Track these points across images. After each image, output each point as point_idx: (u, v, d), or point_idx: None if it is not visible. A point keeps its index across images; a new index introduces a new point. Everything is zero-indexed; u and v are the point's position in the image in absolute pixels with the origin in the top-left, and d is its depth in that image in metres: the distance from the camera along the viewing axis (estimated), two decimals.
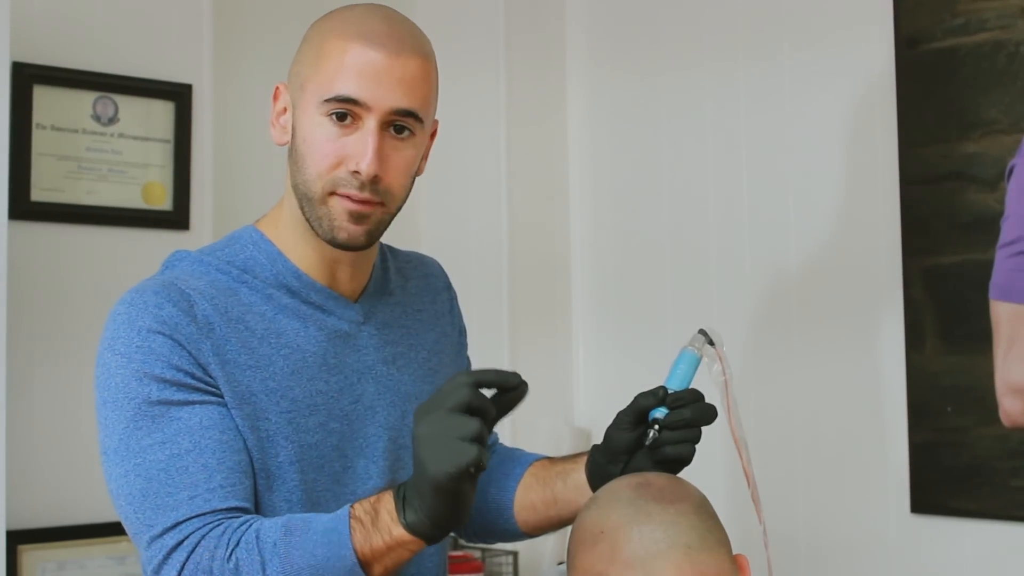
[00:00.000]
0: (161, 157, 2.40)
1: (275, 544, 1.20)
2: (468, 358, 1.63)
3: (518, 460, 1.59)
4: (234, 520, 1.24)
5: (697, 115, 2.70)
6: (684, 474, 1.39)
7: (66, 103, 2.30)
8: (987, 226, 2.13)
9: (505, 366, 2.76)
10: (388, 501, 1.21)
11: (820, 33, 2.50)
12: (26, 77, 2.24)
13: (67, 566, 2.23)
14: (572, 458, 1.53)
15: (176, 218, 2.40)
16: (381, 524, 1.20)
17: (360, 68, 1.31)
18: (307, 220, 1.36)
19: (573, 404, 2.90)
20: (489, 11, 2.86)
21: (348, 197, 1.32)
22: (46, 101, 2.28)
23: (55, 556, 2.22)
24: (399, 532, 1.20)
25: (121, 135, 2.36)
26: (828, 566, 2.43)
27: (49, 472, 2.23)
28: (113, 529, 2.26)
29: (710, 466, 1.59)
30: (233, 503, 1.25)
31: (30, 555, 2.19)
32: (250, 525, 1.23)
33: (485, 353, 2.71)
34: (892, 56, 2.35)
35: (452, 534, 1.54)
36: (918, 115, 2.31)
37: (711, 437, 1.42)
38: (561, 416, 2.86)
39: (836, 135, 2.46)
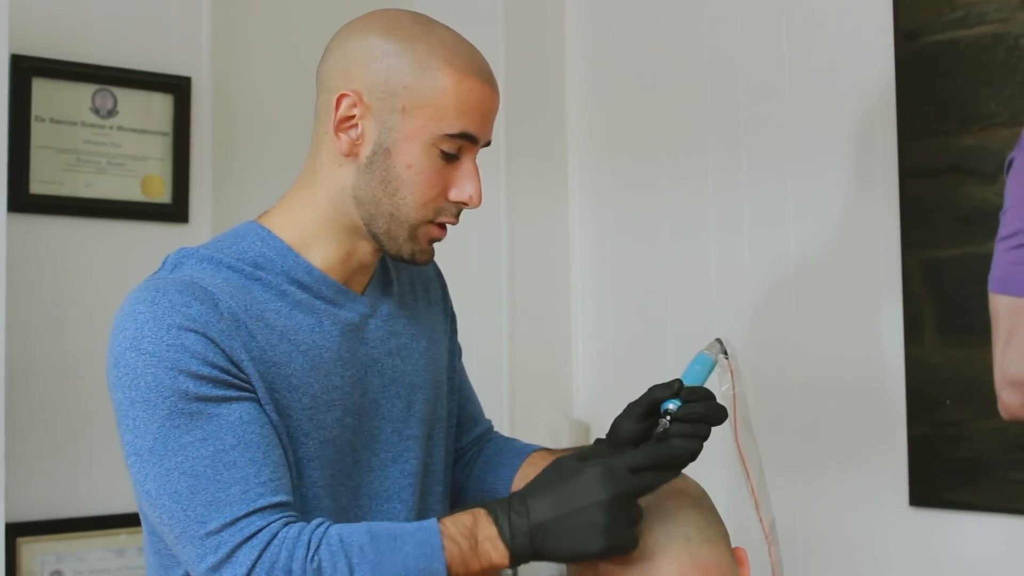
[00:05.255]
0: (160, 150, 2.40)
1: (362, 549, 1.22)
2: (459, 344, 1.63)
3: (516, 450, 1.60)
4: (303, 521, 1.25)
5: (695, 110, 2.70)
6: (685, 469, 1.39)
7: (65, 96, 2.30)
8: (986, 219, 2.13)
9: (504, 361, 2.79)
10: (487, 527, 1.24)
11: (819, 26, 2.50)
12: (25, 70, 2.24)
13: (66, 559, 2.23)
14: (572, 450, 1.53)
15: (175, 211, 2.40)
16: (481, 551, 1.24)
17: (481, 107, 1.35)
18: (374, 234, 1.37)
19: (572, 397, 2.90)
20: None
21: (442, 225, 1.38)
22: (45, 94, 2.27)
23: (54, 549, 2.22)
24: (499, 559, 1.24)
25: (120, 128, 2.35)
26: (826, 559, 2.44)
27: (48, 465, 2.23)
28: (112, 522, 2.26)
29: (711, 463, 1.58)
30: (282, 497, 1.26)
31: (29, 547, 2.19)
32: (328, 527, 1.24)
33: (485, 351, 2.72)
34: (891, 49, 2.35)
35: None
36: (917, 108, 2.31)
37: (713, 433, 1.42)
38: (560, 409, 2.85)
39: (835, 128, 2.46)
